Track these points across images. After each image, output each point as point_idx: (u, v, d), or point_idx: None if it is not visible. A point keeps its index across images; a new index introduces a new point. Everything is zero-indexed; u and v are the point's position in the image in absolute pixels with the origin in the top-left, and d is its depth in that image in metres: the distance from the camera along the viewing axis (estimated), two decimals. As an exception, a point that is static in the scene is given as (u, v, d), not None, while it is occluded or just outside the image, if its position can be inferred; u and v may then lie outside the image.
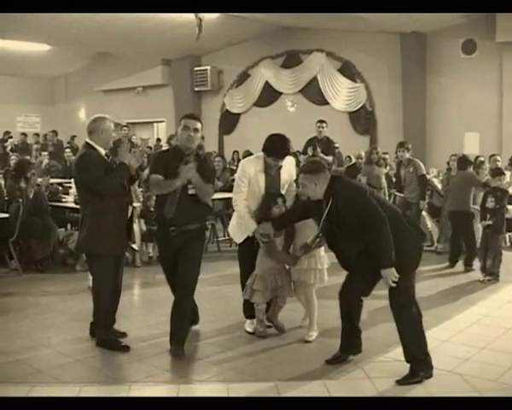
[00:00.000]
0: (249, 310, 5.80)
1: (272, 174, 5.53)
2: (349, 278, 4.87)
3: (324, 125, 10.80)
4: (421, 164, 9.82)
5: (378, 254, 4.52)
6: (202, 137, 12.14)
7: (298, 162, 7.51)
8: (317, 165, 4.89)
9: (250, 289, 5.54)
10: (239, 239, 5.71)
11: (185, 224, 5.06)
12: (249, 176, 5.49)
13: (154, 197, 6.06)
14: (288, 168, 5.66)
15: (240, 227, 5.64)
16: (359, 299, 4.98)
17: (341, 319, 4.98)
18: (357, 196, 4.64)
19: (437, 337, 5.59)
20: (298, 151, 10.83)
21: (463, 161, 9.20)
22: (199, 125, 5.14)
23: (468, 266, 8.75)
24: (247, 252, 5.64)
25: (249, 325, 5.80)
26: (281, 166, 5.52)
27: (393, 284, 4.48)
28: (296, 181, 5.40)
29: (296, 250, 5.54)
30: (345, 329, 5.01)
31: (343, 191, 4.67)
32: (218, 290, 7.40)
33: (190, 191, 5.03)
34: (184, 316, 5.17)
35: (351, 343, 5.02)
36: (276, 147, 5.45)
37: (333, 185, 4.72)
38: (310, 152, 10.21)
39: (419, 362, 4.64)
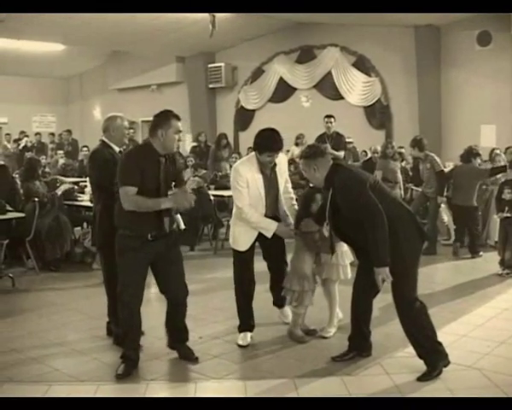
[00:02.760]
0: (248, 321, 5.49)
1: (268, 174, 5.29)
2: (360, 277, 4.80)
3: (332, 119, 10.58)
4: (438, 159, 9.68)
5: (371, 251, 4.39)
6: (225, 137, 12.18)
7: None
8: (315, 149, 4.75)
9: (298, 294, 5.33)
10: (244, 247, 5.35)
11: (166, 228, 4.79)
12: (246, 179, 5.17)
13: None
14: (283, 166, 5.46)
15: (242, 233, 5.37)
16: (371, 299, 4.90)
17: (351, 319, 4.93)
18: (353, 186, 4.47)
19: (455, 332, 5.55)
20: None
21: (467, 154, 9.15)
22: None
23: (475, 254, 9.03)
24: (249, 258, 5.43)
25: (243, 339, 5.41)
26: (275, 165, 5.30)
27: (381, 284, 4.42)
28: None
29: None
30: (353, 329, 4.95)
31: (341, 179, 4.52)
32: (233, 289, 7.36)
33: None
34: (184, 317, 5.08)
35: (359, 344, 4.96)
36: (268, 141, 5.20)
37: (333, 172, 4.58)
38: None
39: (434, 353, 4.56)
